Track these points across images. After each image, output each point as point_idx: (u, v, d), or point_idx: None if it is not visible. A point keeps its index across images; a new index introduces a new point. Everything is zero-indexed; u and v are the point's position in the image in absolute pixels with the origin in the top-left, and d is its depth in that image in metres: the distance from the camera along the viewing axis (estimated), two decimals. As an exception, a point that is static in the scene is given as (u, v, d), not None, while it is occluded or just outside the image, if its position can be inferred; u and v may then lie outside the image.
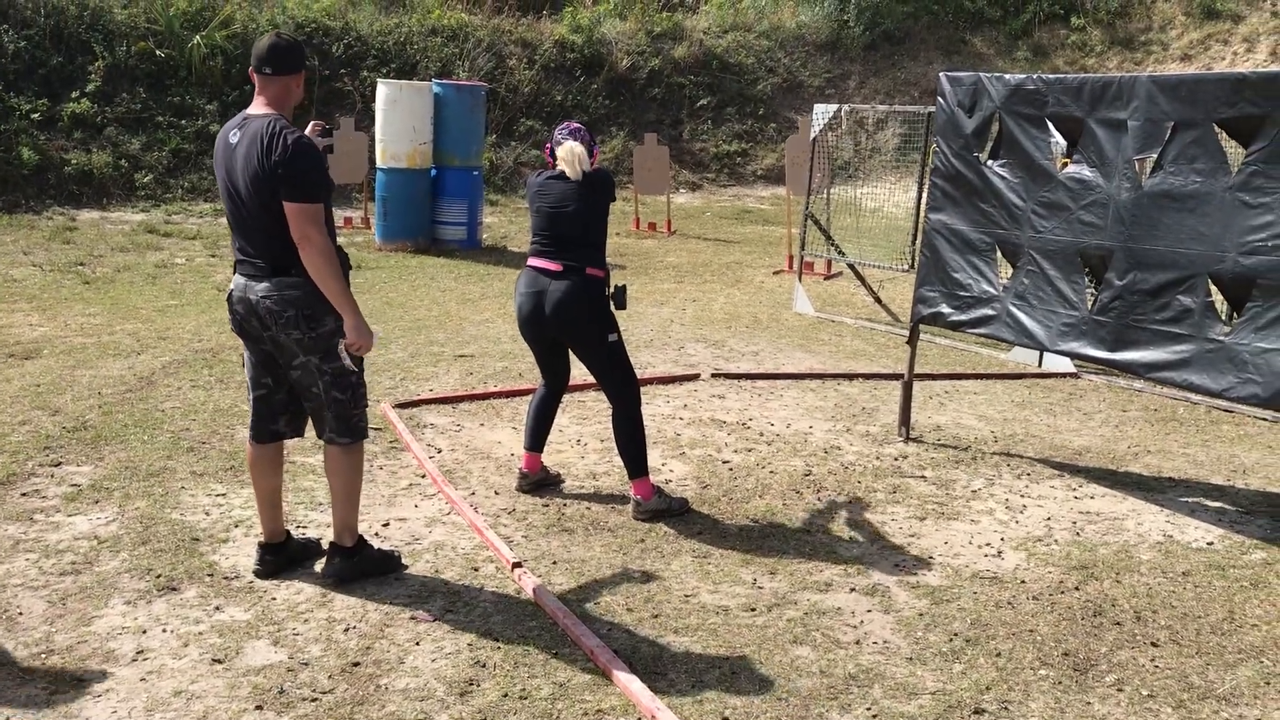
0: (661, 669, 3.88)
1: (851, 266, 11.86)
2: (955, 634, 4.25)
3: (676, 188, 21.40)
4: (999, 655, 4.08)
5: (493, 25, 22.08)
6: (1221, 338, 5.06)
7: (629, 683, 3.67)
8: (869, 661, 4.00)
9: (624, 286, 5.33)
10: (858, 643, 4.15)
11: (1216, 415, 7.68)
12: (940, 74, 6.66)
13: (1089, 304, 5.71)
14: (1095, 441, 6.95)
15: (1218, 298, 5.32)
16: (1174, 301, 5.28)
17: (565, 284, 5.17)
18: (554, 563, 4.74)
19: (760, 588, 4.59)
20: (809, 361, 8.99)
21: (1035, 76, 5.99)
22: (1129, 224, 5.47)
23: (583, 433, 6.62)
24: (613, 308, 5.30)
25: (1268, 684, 3.93)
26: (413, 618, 4.18)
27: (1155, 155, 5.34)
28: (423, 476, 5.71)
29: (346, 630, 4.06)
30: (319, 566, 4.54)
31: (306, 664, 3.82)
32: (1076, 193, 5.76)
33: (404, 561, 4.66)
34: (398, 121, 13.48)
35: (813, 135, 11.27)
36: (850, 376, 8.46)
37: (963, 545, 5.15)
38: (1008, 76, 6.14)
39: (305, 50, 4.37)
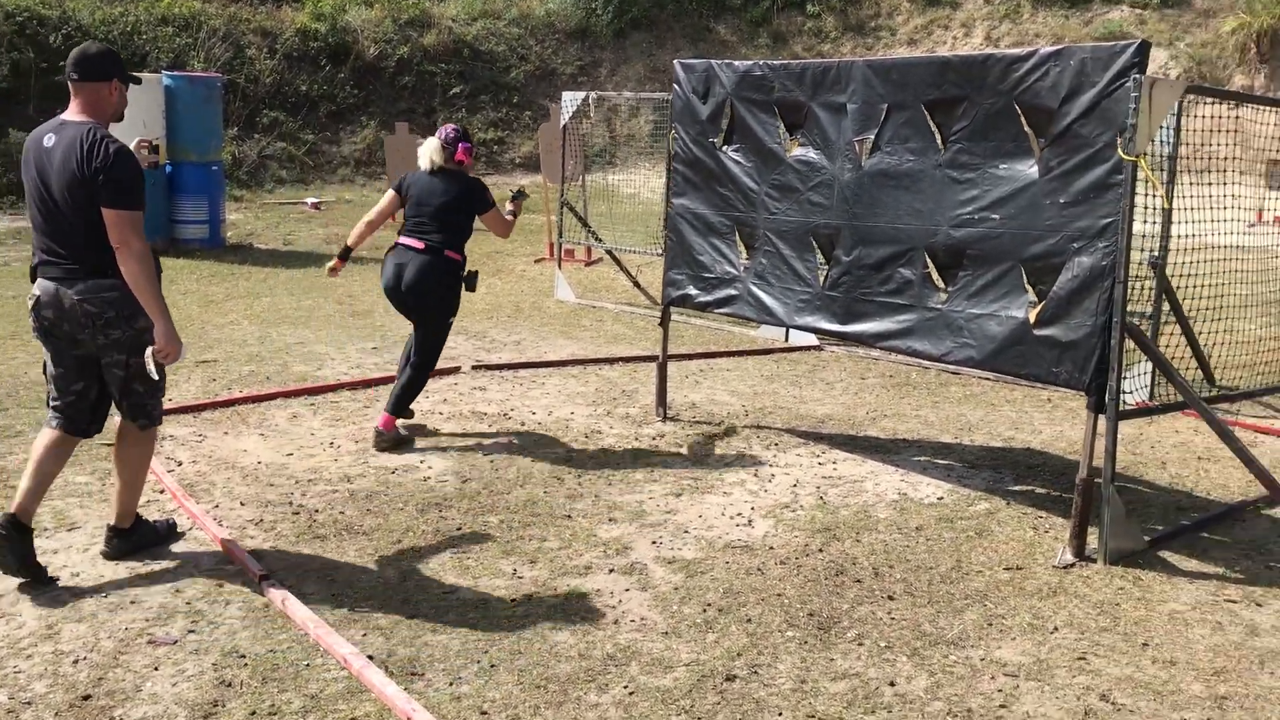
0: (419, 670, 3.82)
1: (610, 253, 12.00)
2: (709, 604, 4.38)
3: (433, 178, 20.98)
4: (749, 621, 4.24)
5: (229, 14, 21.04)
6: (939, 306, 5.42)
7: (383, 687, 3.60)
8: (627, 640, 4.07)
9: (476, 272, 6.40)
10: (616, 622, 4.21)
11: (945, 378, 8.24)
12: (675, 61, 6.81)
13: (821, 280, 5.99)
14: (837, 409, 7.32)
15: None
16: (896, 274, 5.61)
17: (425, 260, 6.18)
18: (305, 572, 4.59)
19: (520, 578, 4.59)
20: (571, 348, 9.05)
21: (762, 63, 6.22)
22: (852, 203, 5.77)
23: (336, 435, 6.43)
24: (464, 289, 6.35)
25: (990, 625, 4.25)
26: (150, 641, 3.94)
27: (873, 136, 5.64)
28: (161, 492, 5.41)
29: (76, 662, 3.80)
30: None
31: (30, 703, 3.55)
32: (804, 175, 6.02)
33: (179, 530, 4.91)
34: (124, 116, 12.63)
35: (562, 123, 11.32)
36: (610, 361, 8.58)
37: (716, 517, 5.32)
38: (737, 63, 6.35)
39: (117, 57, 4.45)
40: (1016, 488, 5.82)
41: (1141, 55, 4.57)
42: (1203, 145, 6.50)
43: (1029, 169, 5.01)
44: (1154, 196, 4.67)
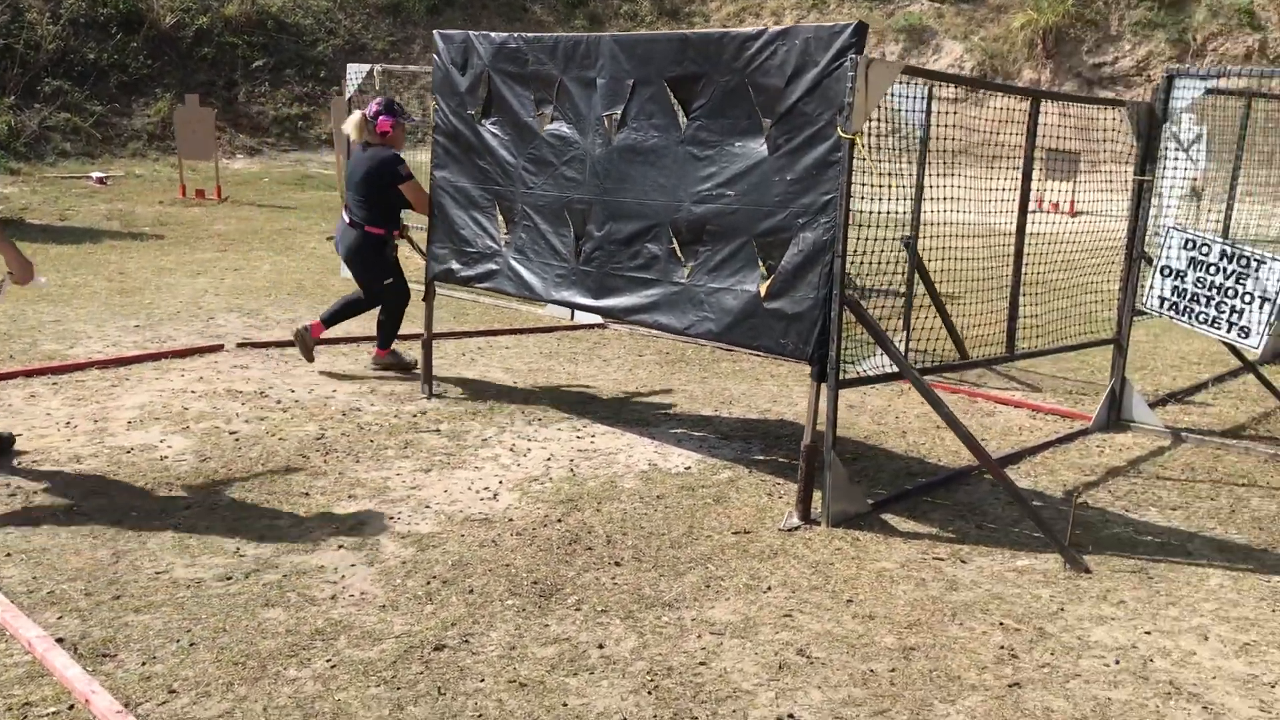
0: (113, 651, 3.67)
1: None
2: (434, 577, 4.36)
3: (233, 153, 20.31)
4: (472, 592, 4.24)
5: (5, -26, 19.76)
6: (683, 281, 5.52)
7: (64, 669, 3.45)
8: (341, 614, 4.01)
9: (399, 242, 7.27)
10: (334, 598, 4.15)
11: (718, 354, 8.42)
12: (435, 32, 6.73)
13: (576, 255, 6.03)
14: (608, 385, 7.39)
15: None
16: (643, 249, 5.69)
17: (352, 234, 7.07)
18: (8, 555, 4.35)
19: (243, 556, 4.47)
20: (347, 326, 8.85)
21: (516, 35, 6.20)
22: (603, 178, 5.82)
23: (75, 414, 6.12)
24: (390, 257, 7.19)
25: (708, 586, 4.37)
26: None
27: (620, 112, 5.70)
28: None
29: None
30: None
31: None
32: (558, 149, 6.04)
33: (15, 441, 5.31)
34: None
35: (347, 96, 11.06)
36: (370, 339, 8.42)
37: (462, 492, 5.30)
38: (494, 35, 6.32)
39: None
40: (761, 457, 6.00)
41: (859, 36, 4.75)
42: (994, 134, 6.88)
43: (760, 147, 5.15)
44: (867, 175, 4.86)
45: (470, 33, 6.45)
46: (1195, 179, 11.91)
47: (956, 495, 5.56)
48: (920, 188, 7.32)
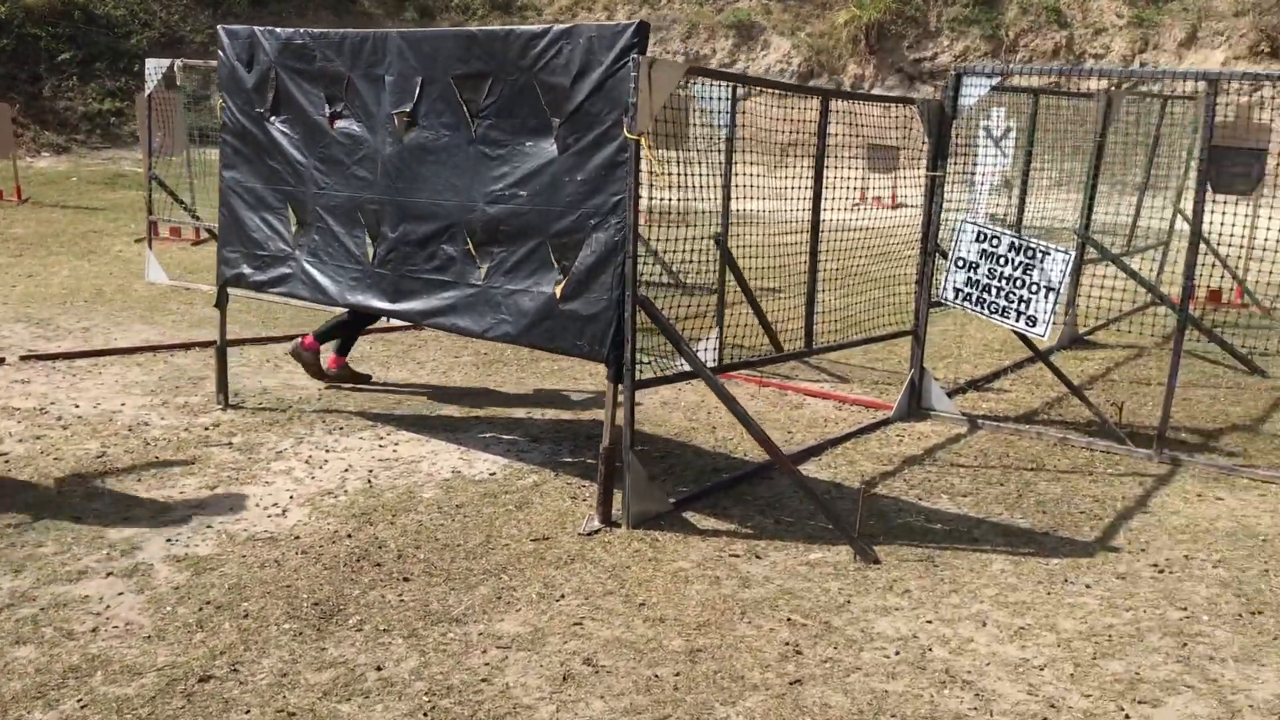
0: None
1: (211, 231, 11.31)
2: (208, 603, 4.14)
3: (37, 151, 19.22)
4: (247, 617, 4.04)
5: None
6: (479, 283, 5.40)
7: None
8: (101, 649, 3.77)
9: None
10: (95, 630, 3.89)
11: (538, 355, 8.31)
12: (219, 27, 6.43)
13: (371, 257, 5.84)
14: (419, 389, 7.21)
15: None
16: (439, 251, 5.54)
17: None
18: None
19: (-3, 590, 4.17)
20: (147, 334, 8.43)
21: (303, 31, 5.97)
22: (395, 178, 5.65)
23: None
24: None
25: (500, 598, 4.27)
26: None
27: (409, 109, 5.54)
28: None
29: None
30: None
31: None
32: (350, 148, 5.84)
33: None
34: None
35: (147, 92, 10.54)
36: (185, 346, 8.06)
37: (249, 509, 5.06)
38: (279, 31, 6.06)
39: None
40: (570, 459, 5.93)
41: (641, 36, 4.71)
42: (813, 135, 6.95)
43: (551, 147, 5.07)
44: (655, 175, 4.83)
45: (255, 28, 6.18)
46: (1006, 171, 12.41)
47: (758, 490, 5.61)
48: (728, 185, 7.35)
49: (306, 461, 5.72)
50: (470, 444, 6.11)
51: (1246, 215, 10.21)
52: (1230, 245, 9.47)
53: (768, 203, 6.64)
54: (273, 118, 6.16)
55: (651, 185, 4.85)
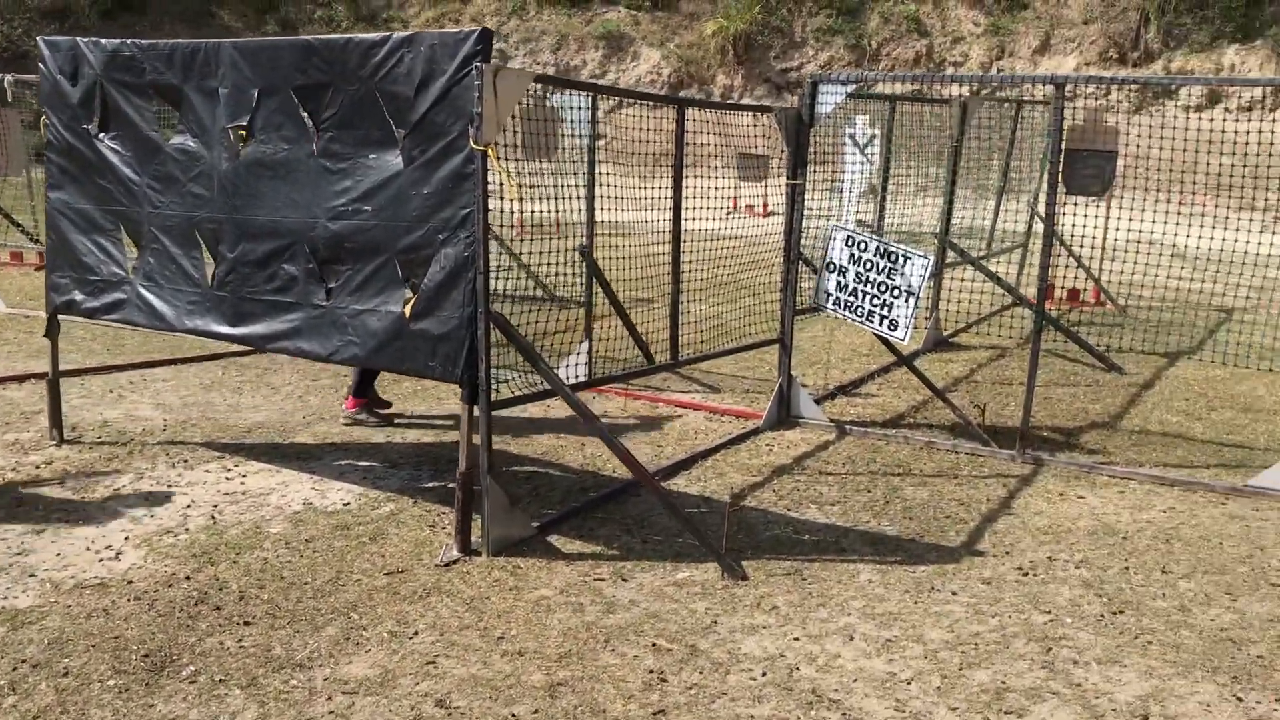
0: None
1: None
2: (24, 661, 3.80)
3: None
4: (67, 675, 3.71)
5: None
6: (324, 303, 5.14)
7: None
8: (-105, 722, 3.41)
9: None
10: (-110, 701, 3.53)
11: (399, 375, 8.03)
12: (40, 39, 6.03)
13: (210, 279, 5.52)
14: (273, 416, 6.88)
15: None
16: (280, 271, 5.26)
17: None
18: None
19: None
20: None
21: (130, 42, 5.62)
22: (232, 194, 5.34)
23: None
24: None
25: (348, 639, 4.03)
26: None
27: (246, 123, 5.25)
28: None
29: None
30: None
31: None
32: (185, 165, 5.52)
33: None
34: None
35: (-24, 109, 9.91)
36: (19, 379, 7.55)
37: (79, 553, 4.70)
38: (105, 42, 5.70)
39: None
40: (431, 484, 5.69)
41: (484, 43, 4.52)
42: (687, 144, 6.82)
43: (395, 159, 4.84)
44: (502, 188, 4.65)
45: (79, 40, 5.81)
46: (871, 177, 12.56)
47: (627, 508, 5.46)
48: (593, 196, 7.21)
49: (146, 499, 5.36)
50: (324, 472, 5.82)
51: (1099, 216, 10.51)
52: (1086, 246, 9.73)
53: (640, 213, 6.52)
54: (102, 134, 5.79)
55: (503, 197, 4.66)
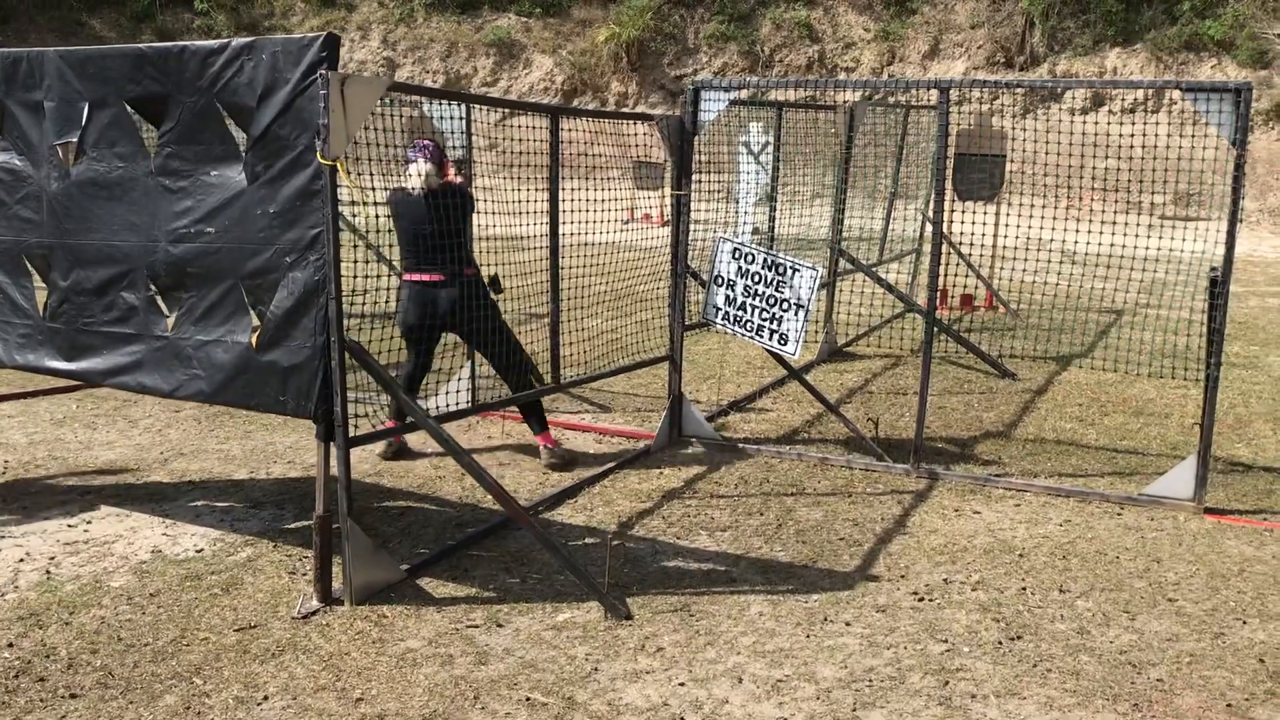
0: None
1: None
2: None
3: None
4: None
5: None
6: (166, 334, 4.72)
7: None
8: None
9: (497, 274, 5.96)
10: None
11: (271, 401, 7.58)
12: None
13: (41, 309, 5.06)
14: (128, 452, 6.39)
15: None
16: (119, 299, 4.82)
17: (450, 290, 5.72)
18: None
19: None
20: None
21: (-54, 51, 5.12)
22: (63, 217, 4.89)
23: None
24: (493, 294, 5.91)
25: (188, 709, 3.63)
26: None
27: (76, 139, 4.81)
28: None
29: None
30: None
31: None
32: (10, 185, 5.05)
33: None
34: None
35: None
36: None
37: (-112, 622, 4.21)
38: (-81, 51, 5.19)
39: None
40: (294, 525, 5.29)
41: (330, 49, 4.17)
42: (582, 153, 6.53)
43: (239, 176, 4.46)
44: (355, 204, 4.31)
45: (-111, 48, 5.28)
46: (766, 185, 12.40)
47: (507, 543, 5.13)
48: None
49: (-28, 553, 4.87)
50: (178, 515, 5.38)
51: (989, 220, 10.50)
52: (976, 249, 9.68)
53: (536, 225, 6.17)
54: (-84, 152, 5.27)
55: (355, 215, 4.30)
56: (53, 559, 4.84)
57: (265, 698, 3.71)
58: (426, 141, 5.82)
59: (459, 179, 5.94)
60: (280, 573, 4.72)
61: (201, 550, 4.96)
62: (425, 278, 5.77)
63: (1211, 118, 5.37)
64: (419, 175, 5.68)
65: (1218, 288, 5.46)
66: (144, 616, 4.29)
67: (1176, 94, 20.73)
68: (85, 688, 3.76)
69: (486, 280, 5.94)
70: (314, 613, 4.32)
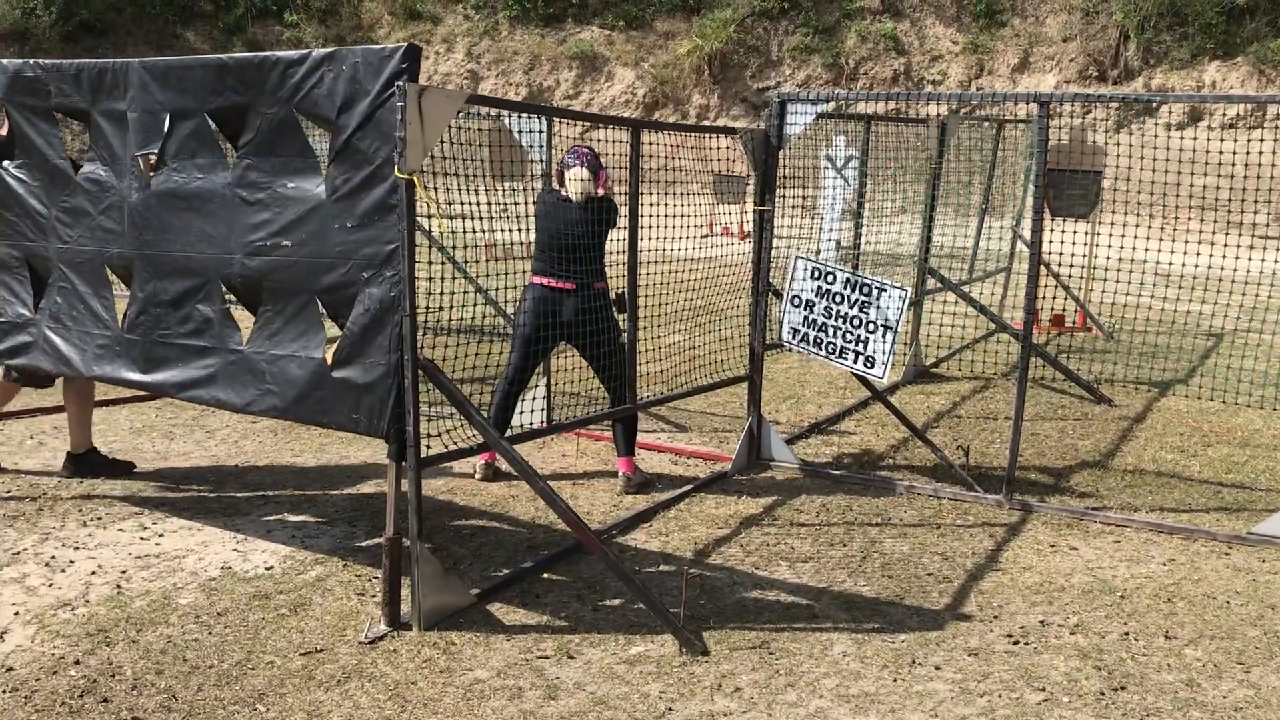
0: None
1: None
2: None
3: None
4: (-85, 790, 3.21)
5: None
6: (241, 348, 4.66)
7: None
8: None
9: (623, 293, 5.73)
10: None
11: (347, 413, 7.54)
12: (-62, 58, 5.55)
13: (120, 320, 5.04)
14: (204, 463, 6.37)
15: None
16: (195, 312, 4.78)
17: (577, 300, 5.65)
18: None
19: None
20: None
21: (34, 63, 5.17)
22: (143, 228, 4.87)
23: None
24: (616, 313, 5.79)
25: (251, 735, 3.53)
26: None
27: (158, 150, 4.78)
28: None
29: None
30: None
31: None
32: (95, 196, 5.05)
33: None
34: None
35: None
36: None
37: (-41, 633, 4.19)
38: (6, 62, 5.25)
39: None
40: (365, 543, 5.20)
41: (411, 60, 4.07)
42: (661, 166, 6.41)
43: (317, 189, 4.38)
44: (431, 218, 4.20)
45: (-23, 58, 5.33)
46: (850, 200, 12.14)
47: (579, 568, 4.98)
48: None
49: (48, 564, 4.86)
50: (250, 530, 5.32)
51: (1085, 237, 10.11)
52: (1070, 268, 9.32)
53: (616, 238, 6.04)
54: (6, 161, 5.31)
55: (431, 230, 4.20)
56: (124, 573, 4.80)
57: (329, 727, 3.60)
58: (585, 149, 5.76)
59: (613, 193, 5.87)
60: (349, 594, 4.62)
61: (271, 568, 4.89)
62: (555, 284, 5.69)
63: (1336, 135, 5.02)
64: (577, 180, 5.65)
65: (1340, 316, 5.11)
66: (210, 636, 4.22)
67: (1276, 108, 19.96)
68: (148, 710, 3.68)
69: (614, 297, 5.82)
70: (381, 637, 4.21)
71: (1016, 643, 4.30)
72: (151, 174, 4.83)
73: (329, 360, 4.36)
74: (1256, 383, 8.29)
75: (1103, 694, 3.91)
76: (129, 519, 5.44)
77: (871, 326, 6.00)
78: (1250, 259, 8.49)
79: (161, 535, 5.24)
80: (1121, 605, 4.67)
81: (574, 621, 4.42)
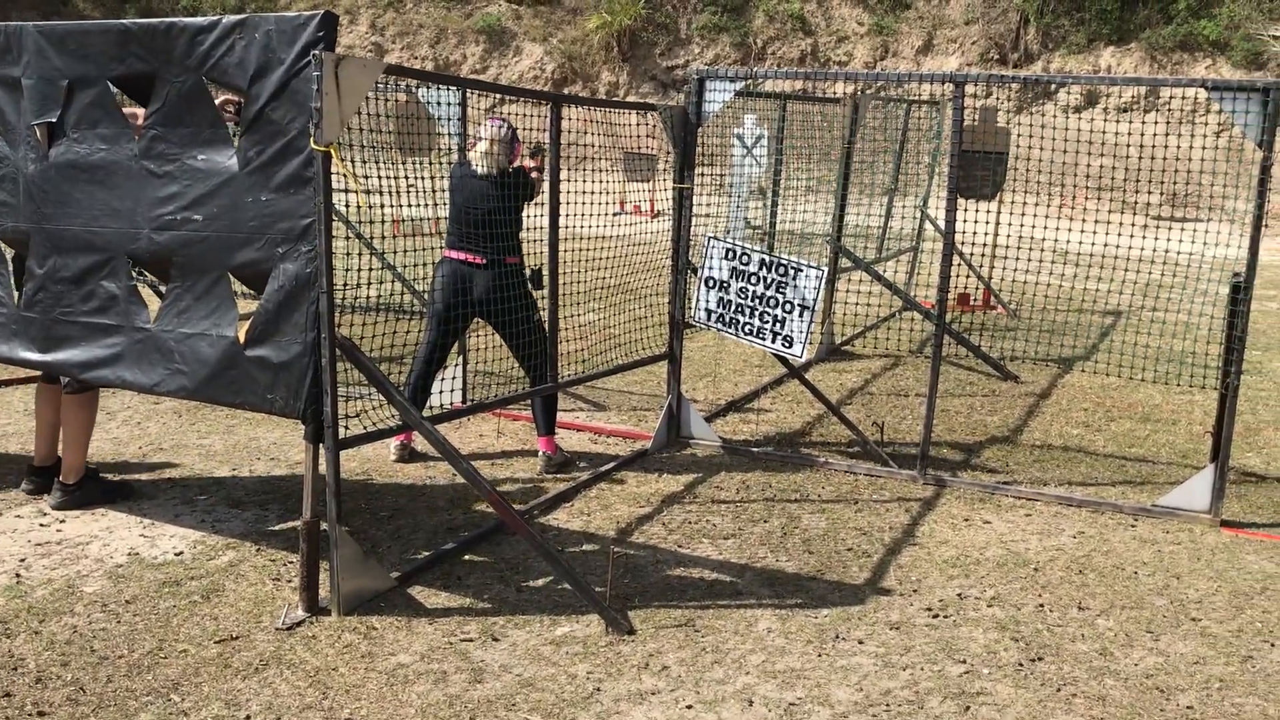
0: None
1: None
2: None
3: None
4: None
5: None
6: (148, 326, 4.48)
7: None
8: None
9: (539, 269, 5.65)
10: None
11: (255, 394, 7.33)
12: None
13: (17, 298, 4.82)
14: (106, 447, 6.13)
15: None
16: (99, 289, 4.59)
17: (489, 274, 5.52)
18: None
19: None
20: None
21: (-82, 23, 4.86)
22: (40, 201, 4.65)
23: None
24: (531, 289, 5.68)
25: (166, 728, 3.42)
26: None
27: (55, 119, 4.56)
28: None
29: None
30: None
31: None
32: (-15, 167, 4.79)
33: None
34: None
35: None
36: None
37: None
38: (-111, 23, 4.93)
39: None
40: (278, 526, 5.07)
41: (328, 29, 3.94)
42: (571, 143, 6.28)
43: (229, 161, 4.23)
44: (349, 193, 4.09)
45: None
46: (760, 179, 12.20)
47: (501, 549, 4.92)
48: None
49: (-61, 554, 4.63)
50: (157, 515, 5.14)
51: (989, 216, 10.32)
52: (974, 247, 9.51)
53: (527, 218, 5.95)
54: (-115, 130, 5.01)
55: (347, 204, 4.08)
56: (23, 561, 4.60)
57: (247, 717, 3.49)
58: (500, 120, 5.64)
59: (529, 164, 5.76)
60: (264, 579, 4.50)
61: (181, 553, 4.73)
62: (466, 257, 5.58)
63: (1238, 118, 5.19)
64: (484, 153, 5.54)
65: (1240, 293, 5.29)
66: (119, 625, 4.06)
67: (1168, 93, 20.63)
68: (55, 704, 3.53)
69: (529, 272, 5.72)
70: (299, 623, 4.11)
71: (936, 616, 4.37)
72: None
73: (242, 339, 4.22)
74: (1154, 358, 8.56)
75: (1021, 665, 4.00)
76: (26, 504, 5.22)
77: (789, 306, 6.03)
78: (1144, 238, 8.74)
79: (63, 521, 5.03)
80: (1035, 577, 4.78)
81: (498, 603, 4.37)
